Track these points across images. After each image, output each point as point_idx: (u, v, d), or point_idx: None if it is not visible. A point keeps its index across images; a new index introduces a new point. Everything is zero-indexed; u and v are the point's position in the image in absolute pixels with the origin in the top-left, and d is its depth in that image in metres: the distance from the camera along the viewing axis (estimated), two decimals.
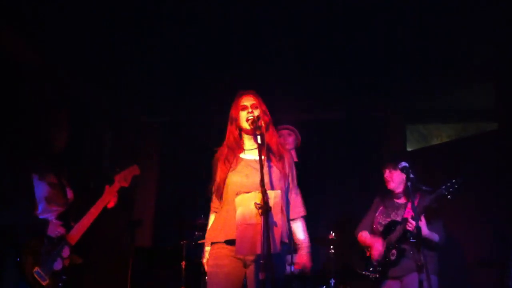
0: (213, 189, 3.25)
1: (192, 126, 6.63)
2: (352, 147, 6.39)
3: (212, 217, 3.29)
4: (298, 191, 3.33)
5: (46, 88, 5.18)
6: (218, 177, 3.17)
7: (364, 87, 5.90)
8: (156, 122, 6.96)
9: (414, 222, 3.86)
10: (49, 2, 4.37)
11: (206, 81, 5.71)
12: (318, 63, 5.44)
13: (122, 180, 4.04)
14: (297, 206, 3.30)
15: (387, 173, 4.35)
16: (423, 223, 3.99)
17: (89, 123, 5.84)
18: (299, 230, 3.31)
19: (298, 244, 3.32)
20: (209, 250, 3.13)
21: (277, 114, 5.42)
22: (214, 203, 3.29)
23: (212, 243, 3.11)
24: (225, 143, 3.26)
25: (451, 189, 3.87)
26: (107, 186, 3.95)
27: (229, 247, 3.00)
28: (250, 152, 3.21)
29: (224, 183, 3.13)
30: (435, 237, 4.06)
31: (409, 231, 3.98)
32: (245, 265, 3.02)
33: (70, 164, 4.01)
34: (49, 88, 5.21)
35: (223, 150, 3.24)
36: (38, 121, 3.89)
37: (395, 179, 4.29)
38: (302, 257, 3.28)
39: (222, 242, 3.03)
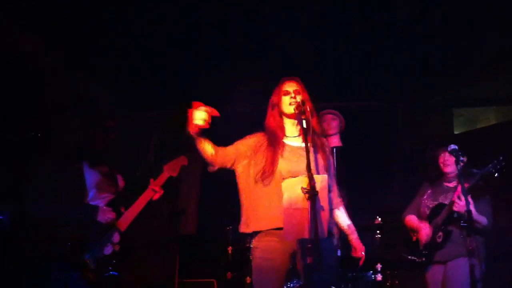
0: (234, 146, 3.16)
1: (235, 116, 6.64)
2: (397, 134, 6.31)
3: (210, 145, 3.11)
4: (335, 179, 3.31)
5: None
6: (266, 162, 3.07)
7: (409, 74, 5.80)
8: None
9: (461, 202, 3.82)
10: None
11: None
12: (353, 48, 5.37)
13: (170, 170, 4.13)
14: (337, 195, 3.28)
15: (443, 157, 4.29)
16: (470, 204, 3.86)
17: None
18: (344, 217, 3.29)
19: (347, 230, 3.29)
20: (256, 238, 3.09)
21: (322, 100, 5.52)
22: (219, 148, 3.13)
23: (256, 233, 3.08)
24: (267, 127, 3.21)
25: (498, 166, 3.86)
26: (151, 180, 4.02)
27: (277, 239, 2.97)
28: (293, 138, 3.19)
29: (273, 169, 3.04)
30: (482, 220, 4.00)
31: (455, 211, 3.91)
32: (293, 258, 3.02)
33: (119, 155, 4.11)
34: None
35: (264, 135, 3.20)
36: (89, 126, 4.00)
37: (452, 162, 4.19)
38: (357, 241, 3.27)
39: (268, 232, 3.01)
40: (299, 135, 3.19)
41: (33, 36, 4.74)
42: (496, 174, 3.87)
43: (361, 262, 3.29)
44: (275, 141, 3.14)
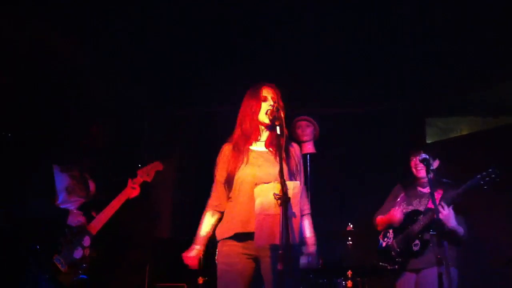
0: (220, 182, 3.18)
1: (212, 117, 6.63)
2: (371, 141, 6.35)
3: (207, 216, 3.19)
4: (304, 187, 3.28)
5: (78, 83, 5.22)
6: (231, 167, 3.09)
7: (384, 80, 5.87)
8: (176, 115, 6.97)
9: (444, 211, 3.80)
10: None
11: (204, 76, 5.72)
12: (337, 56, 5.41)
13: (144, 174, 4.12)
14: (304, 202, 3.26)
15: (415, 161, 4.22)
16: (451, 214, 3.89)
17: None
18: (306, 227, 3.26)
19: (307, 240, 3.25)
20: (219, 243, 3.10)
21: (297, 107, 5.54)
22: (213, 200, 3.20)
23: (221, 240, 3.08)
24: (238, 132, 3.18)
25: (487, 179, 3.75)
26: (129, 180, 4.00)
27: (239, 243, 2.99)
28: (260, 143, 3.18)
29: (238, 174, 3.06)
30: (460, 230, 3.95)
31: (435, 221, 3.84)
32: (256, 261, 3.02)
33: (94, 159, 4.08)
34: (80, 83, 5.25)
35: (229, 144, 3.19)
36: (67, 119, 3.97)
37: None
38: (312, 255, 3.22)
39: (232, 238, 3.01)
40: (264, 140, 3.19)
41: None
42: (485, 186, 3.74)
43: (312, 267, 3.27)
44: (241, 146, 3.13)
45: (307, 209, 3.29)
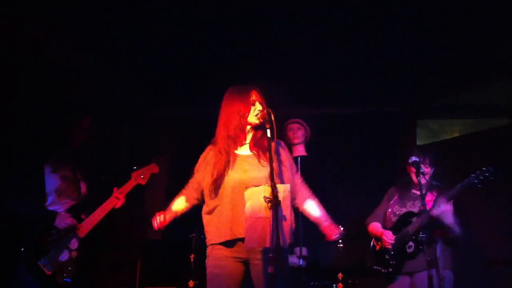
0: (195, 179, 3.21)
1: (204, 119, 6.61)
2: (363, 143, 6.36)
3: (180, 198, 3.26)
4: (298, 174, 3.30)
5: (67, 82, 5.19)
6: (216, 171, 3.07)
7: (376, 82, 5.87)
8: (167, 116, 6.95)
9: (442, 207, 3.81)
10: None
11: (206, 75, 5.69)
12: (329, 58, 5.41)
13: (139, 177, 4.09)
14: (307, 190, 3.28)
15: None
16: (450, 211, 3.88)
17: (107, 118, 5.84)
18: (315, 207, 3.24)
19: (318, 219, 3.22)
20: (209, 247, 3.10)
21: (288, 108, 5.53)
22: (188, 190, 3.26)
23: (210, 244, 3.09)
24: (223, 135, 3.14)
25: (481, 177, 3.77)
26: (115, 189, 3.96)
27: (228, 248, 3.00)
28: (245, 147, 3.17)
29: (223, 179, 3.04)
30: (457, 229, 3.93)
31: (430, 220, 3.80)
32: (246, 264, 3.02)
33: (88, 159, 4.05)
34: (70, 82, 5.21)
35: (222, 143, 3.14)
36: (58, 121, 3.94)
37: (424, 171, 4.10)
38: (329, 228, 3.18)
39: (221, 243, 3.01)
40: (248, 143, 3.17)
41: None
42: (480, 185, 3.77)
43: (337, 237, 3.19)
44: (228, 151, 3.10)
45: (307, 193, 3.29)
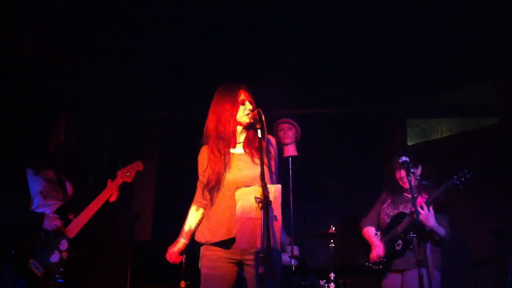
0: (202, 183, 3.17)
1: (191, 119, 6.59)
2: (353, 142, 6.37)
3: (192, 210, 3.23)
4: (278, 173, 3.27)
5: (44, 83, 5.13)
6: (212, 171, 3.05)
7: (365, 82, 5.89)
8: (156, 116, 6.92)
9: (423, 211, 3.85)
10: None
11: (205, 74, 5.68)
12: (321, 59, 5.42)
13: (124, 175, 4.04)
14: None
15: (400, 174, 4.27)
16: (431, 215, 3.94)
17: (88, 118, 5.80)
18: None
19: None
20: (203, 247, 3.09)
21: (278, 107, 5.53)
22: (198, 196, 3.23)
23: (204, 244, 3.08)
24: (214, 135, 3.11)
25: (463, 179, 3.81)
26: (109, 181, 3.94)
27: (223, 249, 2.99)
28: (238, 146, 3.15)
29: (220, 178, 3.02)
30: (441, 231, 4.00)
31: (415, 223, 3.84)
32: (240, 265, 3.02)
33: (71, 159, 4.01)
34: (47, 83, 5.16)
35: (213, 143, 3.11)
36: (37, 121, 3.91)
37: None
38: None
39: (215, 244, 3.00)
40: (241, 142, 3.15)
41: None
42: (461, 186, 3.81)
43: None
44: (222, 150, 3.08)
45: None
